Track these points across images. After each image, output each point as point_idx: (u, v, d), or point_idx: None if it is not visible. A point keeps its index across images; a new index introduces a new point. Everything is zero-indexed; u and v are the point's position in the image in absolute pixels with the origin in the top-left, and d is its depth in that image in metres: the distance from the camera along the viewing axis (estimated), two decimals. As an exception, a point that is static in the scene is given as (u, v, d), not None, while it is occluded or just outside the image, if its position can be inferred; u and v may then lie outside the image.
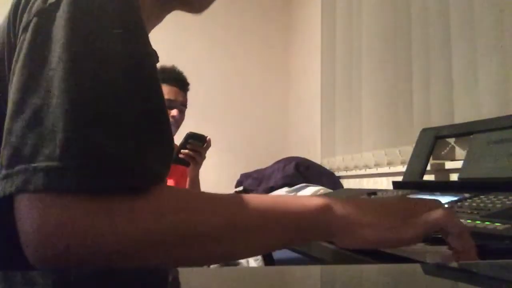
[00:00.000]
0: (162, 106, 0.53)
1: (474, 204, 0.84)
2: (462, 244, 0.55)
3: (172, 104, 1.89)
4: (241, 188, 2.38)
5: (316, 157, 2.51)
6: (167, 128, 0.53)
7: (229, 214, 0.51)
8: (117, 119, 0.48)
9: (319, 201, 0.54)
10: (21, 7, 0.56)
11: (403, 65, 1.77)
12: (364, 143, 2.06)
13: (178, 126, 1.93)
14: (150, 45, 0.56)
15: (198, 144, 1.79)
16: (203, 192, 0.53)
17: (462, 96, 1.41)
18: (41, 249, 0.46)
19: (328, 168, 2.38)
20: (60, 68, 0.49)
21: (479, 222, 0.71)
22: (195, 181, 1.88)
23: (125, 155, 0.47)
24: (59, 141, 0.46)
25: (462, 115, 1.40)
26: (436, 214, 0.55)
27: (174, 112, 1.89)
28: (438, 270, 0.49)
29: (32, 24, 0.52)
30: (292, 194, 1.96)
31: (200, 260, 0.50)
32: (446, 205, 0.70)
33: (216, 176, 2.74)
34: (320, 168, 2.34)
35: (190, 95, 2.00)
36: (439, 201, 0.59)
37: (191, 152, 1.78)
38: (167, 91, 1.89)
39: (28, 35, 0.52)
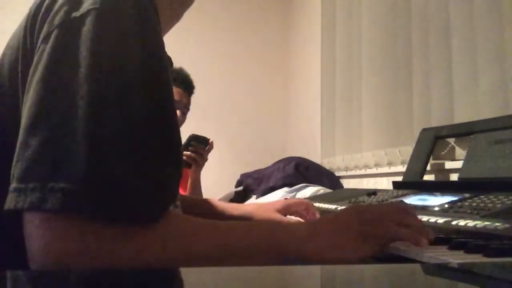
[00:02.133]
0: (177, 138, 0.58)
1: (474, 204, 0.84)
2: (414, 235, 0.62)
3: (175, 105, 1.89)
4: (241, 188, 2.38)
5: (316, 157, 2.51)
6: (180, 159, 0.58)
7: (217, 242, 0.56)
8: (137, 151, 0.51)
9: (300, 235, 0.61)
10: (40, 15, 0.56)
11: (403, 65, 1.77)
12: (364, 143, 2.06)
13: (179, 126, 1.93)
14: (166, 58, 0.58)
15: (200, 146, 1.80)
16: (198, 220, 0.58)
17: (462, 96, 1.41)
18: (48, 266, 0.47)
19: (328, 168, 2.38)
20: (84, 91, 0.49)
21: (479, 222, 0.71)
22: (197, 183, 1.88)
23: (142, 188, 0.50)
24: (79, 165, 0.47)
25: (462, 115, 1.40)
26: (388, 227, 0.62)
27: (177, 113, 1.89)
28: (438, 270, 0.49)
29: (53, 36, 0.52)
30: (292, 194, 1.96)
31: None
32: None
33: (216, 176, 2.73)
34: (320, 168, 2.34)
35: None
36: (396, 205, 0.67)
37: (193, 154, 1.79)
38: None
39: (49, 46, 0.52)
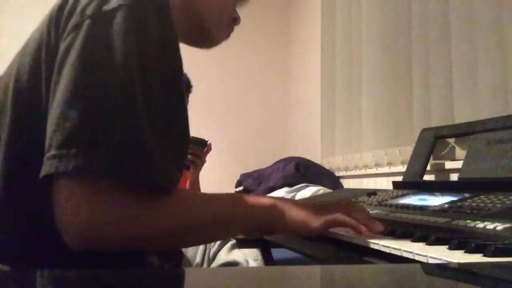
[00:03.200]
0: (187, 122, 0.66)
1: (474, 204, 0.84)
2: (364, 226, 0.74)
3: None
4: (241, 188, 2.38)
5: (316, 157, 2.51)
6: (188, 139, 0.67)
7: (213, 210, 0.66)
8: (164, 130, 0.58)
9: (267, 201, 0.73)
10: (67, 9, 0.61)
11: (403, 65, 1.77)
12: (364, 143, 2.06)
13: None
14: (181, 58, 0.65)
15: (199, 148, 1.81)
16: (199, 194, 0.70)
17: (462, 96, 1.41)
18: (80, 228, 0.52)
19: (328, 168, 2.37)
20: (119, 74, 0.56)
21: (479, 222, 0.71)
22: (195, 184, 1.89)
23: (168, 162, 0.57)
24: (117, 135, 0.53)
25: (462, 115, 1.40)
26: (335, 214, 0.74)
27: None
28: (438, 270, 0.49)
29: (85, 25, 0.58)
30: (292, 194, 1.96)
31: (198, 242, 0.77)
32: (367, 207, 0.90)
33: (216, 176, 2.73)
34: (320, 168, 2.34)
35: (190, 95, 2.00)
36: (353, 203, 0.81)
37: (191, 156, 1.80)
38: None
39: (82, 34, 0.57)
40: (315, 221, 0.74)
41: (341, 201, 1.19)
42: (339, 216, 0.74)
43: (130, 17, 0.58)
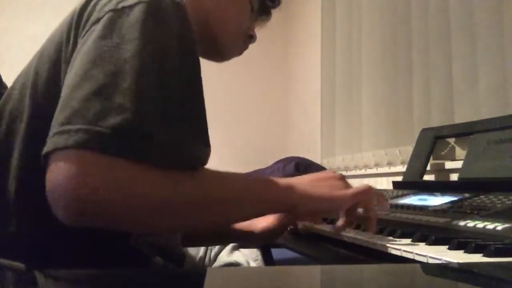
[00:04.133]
0: (204, 107, 0.64)
1: (474, 204, 0.84)
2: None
3: None
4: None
5: (316, 157, 2.51)
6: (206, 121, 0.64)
7: (236, 189, 0.66)
8: (178, 114, 0.58)
9: (284, 181, 0.70)
10: (88, 9, 0.62)
11: (403, 65, 1.77)
12: (364, 143, 2.06)
13: None
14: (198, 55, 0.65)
15: None
16: (221, 173, 0.66)
17: (462, 96, 1.41)
18: (77, 196, 0.50)
19: (328, 168, 2.37)
20: (132, 62, 0.55)
21: (479, 222, 0.71)
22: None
23: (181, 144, 0.57)
24: (128, 114, 0.53)
25: (462, 115, 1.40)
26: (353, 191, 0.72)
27: None
28: (438, 270, 0.49)
29: (104, 19, 0.59)
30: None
31: (215, 218, 0.65)
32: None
33: (216, 176, 2.73)
34: (320, 168, 2.34)
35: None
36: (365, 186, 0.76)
37: None
38: None
39: (100, 26, 0.58)
40: (342, 194, 0.71)
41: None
42: (366, 187, 0.74)
43: (148, 11, 0.59)
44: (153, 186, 0.55)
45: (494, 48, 1.29)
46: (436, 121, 1.51)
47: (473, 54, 1.36)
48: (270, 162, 2.44)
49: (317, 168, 2.31)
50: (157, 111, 0.56)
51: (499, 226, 0.67)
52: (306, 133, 2.91)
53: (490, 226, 0.68)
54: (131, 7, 0.59)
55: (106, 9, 0.60)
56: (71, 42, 0.62)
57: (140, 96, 0.55)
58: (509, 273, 0.47)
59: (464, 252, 0.59)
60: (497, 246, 0.58)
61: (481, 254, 0.57)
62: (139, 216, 0.55)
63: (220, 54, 0.88)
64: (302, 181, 0.72)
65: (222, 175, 0.66)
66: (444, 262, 0.54)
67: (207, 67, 2.71)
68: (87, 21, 0.61)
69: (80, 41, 0.60)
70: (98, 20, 0.59)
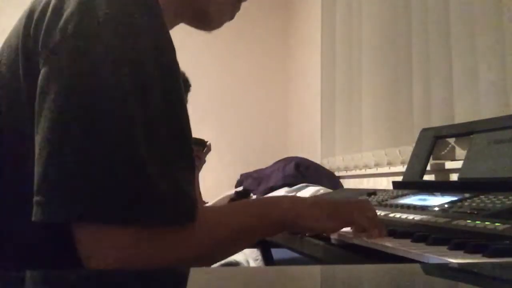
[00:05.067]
0: (190, 135, 0.63)
1: (474, 204, 0.84)
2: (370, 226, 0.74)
3: None
4: (241, 188, 2.38)
5: (316, 157, 2.51)
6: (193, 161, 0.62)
7: (239, 222, 0.66)
8: (166, 159, 0.54)
9: (285, 203, 0.73)
10: (47, 18, 0.55)
11: (403, 65, 1.77)
12: (364, 143, 2.05)
13: None
14: (176, 59, 0.60)
15: (198, 148, 1.81)
16: (219, 211, 0.71)
17: (462, 96, 1.41)
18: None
19: (328, 168, 2.37)
20: (114, 103, 0.51)
21: (479, 222, 0.71)
22: (195, 184, 1.89)
23: (176, 195, 0.54)
24: (114, 177, 0.50)
25: (462, 115, 1.39)
26: (352, 215, 0.75)
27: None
28: (438, 270, 0.49)
29: (67, 46, 0.52)
30: (292, 194, 1.96)
31: (226, 255, 0.74)
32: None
33: (216, 176, 2.73)
34: (320, 168, 2.34)
35: (189, 95, 2.00)
36: (364, 201, 0.82)
37: None
38: None
39: (64, 57, 0.52)
40: (333, 221, 0.74)
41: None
42: (356, 218, 0.75)
43: (116, 29, 0.53)
44: (178, 249, 0.56)
45: (494, 48, 1.29)
46: (436, 121, 1.51)
47: (473, 54, 1.36)
48: (270, 162, 2.44)
49: (317, 168, 2.32)
50: (158, 167, 0.53)
51: (499, 226, 0.67)
52: (306, 133, 2.91)
53: (490, 226, 0.68)
54: (98, 28, 0.53)
55: (70, 31, 0.53)
56: (31, 55, 0.56)
57: (129, 153, 0.52)
58: (509, 273, 0.47)
59: (464, 252, 0.58)
60: (497, 246, 0.58)
61: (481, 254, 0.57)
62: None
63: (210, 23, 0.83)
64: (305, 204, 0.75)
65: (221, 214, 0.68)
66: (444, 262, 0.54)
67: (207, 67, 2.72)
68: (48, 35, 0.54)
69: (41, 62, 0.54)
70: (59, 48, 0.53)
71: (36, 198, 0.50)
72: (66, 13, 0.54)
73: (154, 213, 0.52)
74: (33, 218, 0.50)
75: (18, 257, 0.58)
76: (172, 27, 0.78)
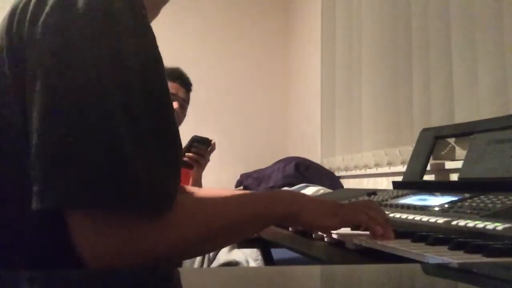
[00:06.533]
0: (176, 130, 0.61)
1: (474, 204, 0.84)
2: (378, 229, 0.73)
3: (173, 98, 1.88)
4: (241, 188, 2.38)
5: (316, 157, 2.51)
6: (179, 151, 0.62)
7: (229, 216, 0.64)
8: (148, 146, 0.54)
9: (287, 197, 0.73)
10: (30, 12, 0.56)
11: (403, 65, 1.77)
12: (364, 143, 2.06)
13: (179, 122, 1.92)
14: (159, 52, 0.60)
15: (203, 147, 1.82)
16: (204, 199, 0.67)
17: (462, 96, 1.41)
18: (94, 265, 0.52)
19: (328, 168, 2.37)
20: (96, 97, 0.52)
21: (479, 222, 0.71)
22: (198, 182, 1.91)
23: (156, 183, 0.54)
24: (102, 167, 0.51)
25: (462, 115, 1.40)
26: (355, 212, 0.75)
27: (175, 104, 1.88)
28: (438, 270, 0.49)
29: (49, 39, 0.53)
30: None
31: (213, 249, 0.66)
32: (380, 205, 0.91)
33: (216, 176, 2.73)
34: (320, 168, 2.34)
35: (190, 94, 2.00)
36: (370, 201, 0.80)
37: (195, 156, 1.81)
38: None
39: (47, 51, 0.53)
40: (334, 218, 0.73)
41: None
42: (358, 215, 0.74)
43: (97, 23, 0.54)
44: (162, 235, 0.55)
45: (494, 48, 1.29)
46: (436, 121, 1.51)
47: (473, 54, 1.36)
48: (270, 162, 2.44)
49: (317, 168, 2.32)
50: (134, 156, 0.53)
51: (499, 226, 0.67)
52: (306, 133, 2.92)
53: (490, 226, 0.68)
54: (78, 18, 0.54)
55: (51, 22, 0.54)
56: (16, 51, 0.57)
57: (112, 140, 0.53)
58: (509, 273, 0.47)
59: (464, 252, 0.59)
60: (497, 246, 0.58)
61: (481, 254, 0.57)
62: (159, 260, 0.56)
63: None
64: (308, 200, 0.75)
65: (214, 204, 0.66)
66: (444, 262, 0.54)
67: (207, 67, 2.71)
68: (31, 29, 0.55)
69: (27, 53, 0.55)
70: (41, 40, 0.54)
71: (33, 188, 0.52)
72: (47, 7, 0.55)
73: (128, 199, 0.52)
74: (32, 207, 0.51)
75: (13, 249, 0.58)
76: (155, 14, 0.78)
